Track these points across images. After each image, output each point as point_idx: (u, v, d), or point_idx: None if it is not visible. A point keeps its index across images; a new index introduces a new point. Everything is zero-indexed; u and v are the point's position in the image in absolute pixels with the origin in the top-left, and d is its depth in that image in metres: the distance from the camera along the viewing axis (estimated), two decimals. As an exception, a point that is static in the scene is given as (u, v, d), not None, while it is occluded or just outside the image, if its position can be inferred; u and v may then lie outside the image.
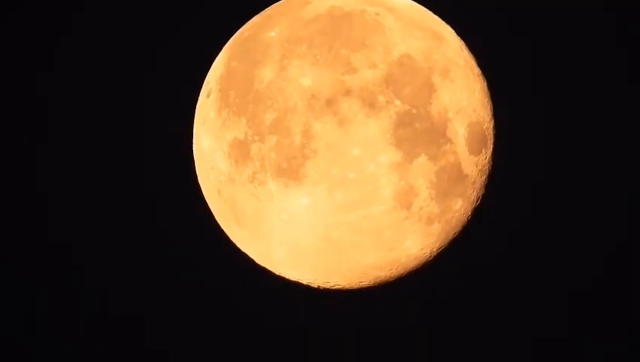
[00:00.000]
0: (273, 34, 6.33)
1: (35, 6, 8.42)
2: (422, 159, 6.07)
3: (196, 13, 8.31)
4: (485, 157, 6.61)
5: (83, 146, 8.42)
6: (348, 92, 5.94)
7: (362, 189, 6.01)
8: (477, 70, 6.69)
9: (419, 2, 6.83)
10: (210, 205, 7.00)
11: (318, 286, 6.92)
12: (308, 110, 5.95)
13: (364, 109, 5.93)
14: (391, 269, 6.66)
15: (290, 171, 6.03)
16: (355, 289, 6.92)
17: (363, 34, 6.14)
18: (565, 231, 8.23)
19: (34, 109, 8.43)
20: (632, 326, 8.12)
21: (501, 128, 6.84)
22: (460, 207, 6.54)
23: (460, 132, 6.27)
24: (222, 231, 7.05)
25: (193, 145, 6.98)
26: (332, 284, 6.83)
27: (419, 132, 6.04)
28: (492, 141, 6.72)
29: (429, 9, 6.83)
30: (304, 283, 6.95)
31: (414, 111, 6.03)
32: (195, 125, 6.91)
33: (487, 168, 6.69)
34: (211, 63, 6.94)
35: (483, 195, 6.80)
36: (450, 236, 6.78)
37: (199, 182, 7.02)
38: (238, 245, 7.03)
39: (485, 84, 6.76)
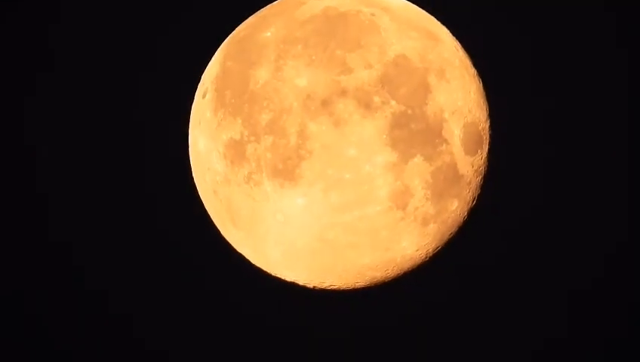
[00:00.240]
0: (268, 34, 6.33)
1: (34, 6, 8.43)
2: (417, 159, 6.07)
3: (191, 14, 8.30)
4: (481, 157, 6.61)
5: (80, 147, 8.42)
6: (343, 92, 5.94)
7: (358, 190, 6.01)
8: (472, 70, 6.69)
9: (414, 3, 6.83)
10: (206, 205, 7.00)
11: (314, 287, 6.92)
12: (303, 110, 5.95)
13: (359, 110, 5.92)
14: (387, 270, 6.66)
15: (286, 172, 6.03)
16: (351, 289, 6.91)
17: (358, 34, 6.14)
18: (562, 231, 8.23)
19: (32, 109, 8.43)
20: (631, 326, 8.12)
21: (497, 129, 6.85)
22: (456, 208, 6.54)
23: (455, 132, 6.26)
24: (218, 231, 7.05)
25: (189, 145, 6.97)
26: (328, 285, 6.82)
27: (414, 132, 6.04)
28: (488, 141, 6.71)
29: (425, 9, 6.83)
30: (300, 283, 6.95)
31: (410, 111, 6.03)
32: (190, 125, 6.90)
33: (482, 169, 6.69)
34: (207, 64, 6.93)
35: (479, 196, 6.80)
36: (446, 236, 6.77)
37: (195, 182, 7.02)
38: (234, 245, 7.03)
39: (481, 84, 6.75)
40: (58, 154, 8.41)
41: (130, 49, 8.35)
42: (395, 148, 5.98)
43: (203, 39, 7.39)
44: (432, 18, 6.80)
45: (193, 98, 6.94)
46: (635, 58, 8.20)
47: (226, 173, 6.35)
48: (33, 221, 8.41)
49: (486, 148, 6.68)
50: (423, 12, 6.80)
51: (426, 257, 6.81)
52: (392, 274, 6.79)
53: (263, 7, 6.85)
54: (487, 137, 6.71)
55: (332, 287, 6.85)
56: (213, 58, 6.87)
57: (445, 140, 6.19)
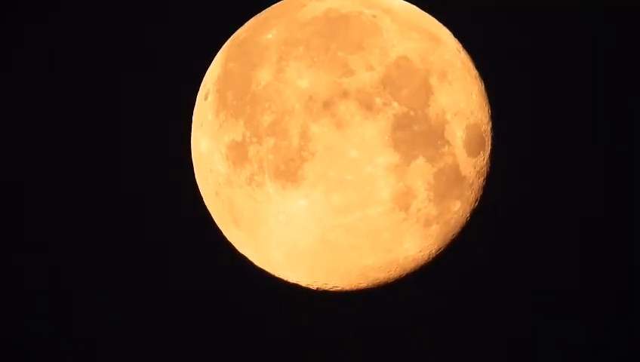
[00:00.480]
0: (270, 36, 6.32)
1: (34, 6, 8.43)
2: (420, 161, 6.06)
3: (193, 16, 8.31)
4: (483, 159, 6.60)
5: (81, 148, 8.43)
6: (345, 94, 5.94)
7: (360, 191, 6.00)
8: (474, 72, 6.68)
9: (416, 4, 6.82)
10: (208, 207, 7.00)
11: (317, 288, 6.92)
12: (305, 112, 5.95)
13: (361, 111, 5.92)
14: (389, 271, 6.65)
15: (288, 173, 6.03)
16: (354, 290, 6.91)
17: (360, 36, 6.13)
18: (563, 232, 8.22)
19: (31, 110, 8.43)
20: (631, 326, 8.11)
21: (499, 130, 6.84)
22: (458, 209, 6.53)
23: (457, 134, 6.25)
24: (220, 232, 7.05)
25: (191, 147, 6.97)
26: (331, 286, 6.82)
27: (416, 134, 6.03)
28: (490, 143, 6.70)
29: (426, 11, 6.82)
30: (303, 284, 6.95)
31: (412, 113, 6.02)
32: (193, 127, 6.90)
33: (485, 170, 6.68)
34: (208, 65, 6.93)
35: (481, 197, 6.79)
36: (449, 238, 6.77)
37: (197, 184, 7.02)
38: (236, 246, 7.03)
39: (483, 86, 6.74)
40: (58, 154, 8.42)
41: (131, 50, 8.36)
42: (397, 150, 5.98)
43: (204, 40, 7.41)
44: (434, 19, 6.79)
45: (195, 100, 6.94)
46: (637, 58, 8.19)
47: (228, 175, 6.35)
48: (33, 221, 8.43)
49: (488, 149, 6.67)
50: (425, 13, 6.79)
51: (429, 258, 6.80)
52: (395, 275, 6.78)
53: (264, 8, 6.85)
54: (489, 139, 6.70)
55: (335, 289, 6.85)
56: (214, 60, 6.87)
57: (447, 142, 6.19)
